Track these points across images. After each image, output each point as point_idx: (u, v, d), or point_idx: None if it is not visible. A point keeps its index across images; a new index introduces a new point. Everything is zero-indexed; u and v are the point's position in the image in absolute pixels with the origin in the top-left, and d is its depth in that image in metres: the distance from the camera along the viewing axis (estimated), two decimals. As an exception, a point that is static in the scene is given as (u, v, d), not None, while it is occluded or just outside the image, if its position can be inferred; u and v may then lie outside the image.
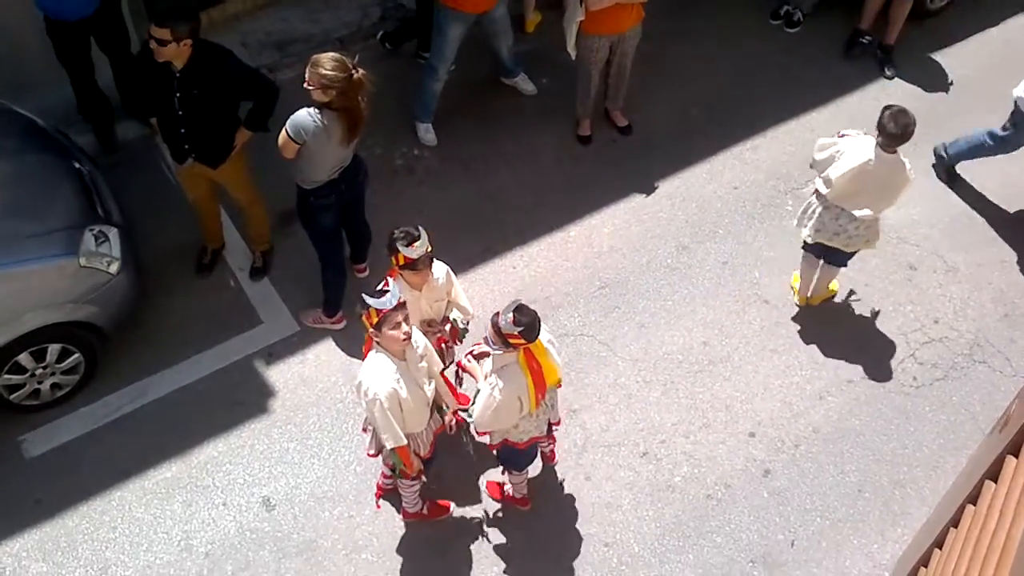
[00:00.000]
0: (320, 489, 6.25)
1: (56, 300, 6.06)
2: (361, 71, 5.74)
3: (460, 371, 5.83)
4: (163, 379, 6.64)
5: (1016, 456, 3.43)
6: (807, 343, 6.95)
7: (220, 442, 6.42)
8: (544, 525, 6.16)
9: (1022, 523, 2.98)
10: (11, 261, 5.87)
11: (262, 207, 6.98)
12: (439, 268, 5.67)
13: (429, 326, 5.73)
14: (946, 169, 7.89)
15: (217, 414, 6.52)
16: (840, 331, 7.02)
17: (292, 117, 5.87)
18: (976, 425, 6.58)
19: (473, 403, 5.43)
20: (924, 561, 4.59)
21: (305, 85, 5.76)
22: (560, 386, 5.64)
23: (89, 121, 7.62)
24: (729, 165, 7.98)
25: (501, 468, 6.00)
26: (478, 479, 6.28)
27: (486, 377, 5.29)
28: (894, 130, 5.95)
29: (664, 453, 6.44)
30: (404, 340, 5.03)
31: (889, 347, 6.95)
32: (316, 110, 5.84)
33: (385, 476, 6.01)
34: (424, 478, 5.67)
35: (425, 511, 6.07)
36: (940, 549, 4.34)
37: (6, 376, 6.15)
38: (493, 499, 6.22)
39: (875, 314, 7.12)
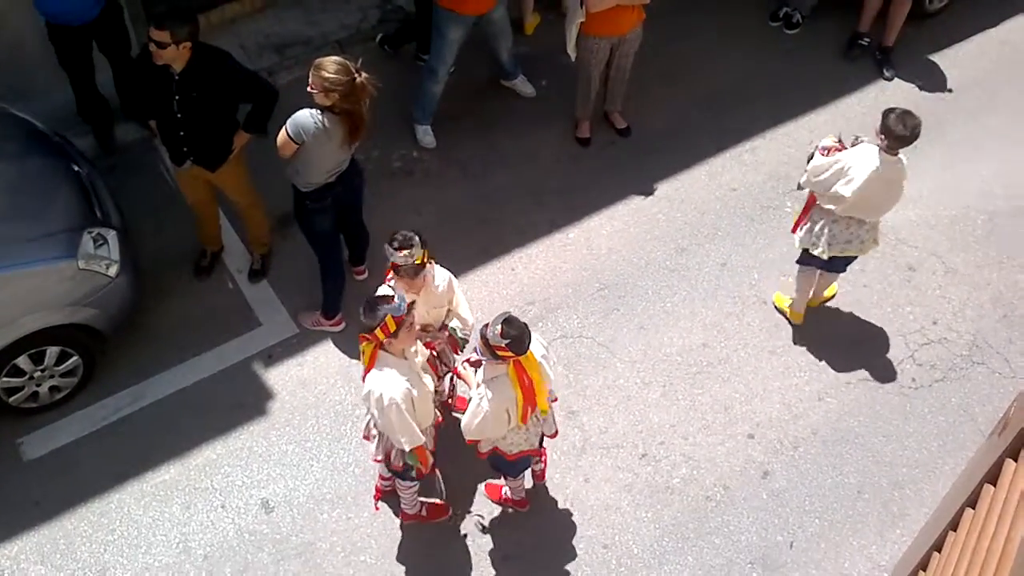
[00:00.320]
0: (319, 491, 6.25)
1: (55, 303, 6.06)
2: (364, 75, 5.75)
3: (455, 377, 5.82)
4: (161, 381, 6.65)
5: (1015, 460, 3.42)
6: (806, 345, 6.95)
7: (219, 444, 6.42)
8: (543, 527, 6.15)
9: (1021, 527, 2.97)
10: (10, 264, 5.87)
11: (261, 210, 6.98)
12: (441, 275, 5.65)
13: (424, 331, 5.71)
14: None
15: (216, 416, 6.51)
16: (839, 333, 7.02)
17: (293, 117, 5.88)
18: (975, 426, 6.57)
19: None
20: (923, 565, 4.57)
21: (308, 88, 5.77)
22: (548, 410, 5.57)
23: (88, 123, 7.63)
24: (728, 167, 7.98)
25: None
26: (476, 481, 6.27)
27: (477, 386, 5.28)
28: (904, 132, 5.90)
29: (663, 455, 6.43)
30: (417, 336, 5.03)
31: (888, 348, 6.94)
32: (318, 111, 5.84)
33: (383, 478, 6.00)
34: (439, 473, 5.62)
35: (424, 513, 6.06)
36: (939, 552, 4.33)
37: (5, 379, 6.15)
38: (492, 501, 6.21)
39: (874, 316, 7.10)
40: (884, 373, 6.83)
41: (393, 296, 5.06)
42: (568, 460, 6.38)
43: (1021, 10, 9.21)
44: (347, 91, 5.70)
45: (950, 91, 8.55)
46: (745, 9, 9.13)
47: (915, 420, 6.62)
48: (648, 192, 7.78)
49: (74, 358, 6.34)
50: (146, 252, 6.93)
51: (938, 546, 4.35)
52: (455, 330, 5.87)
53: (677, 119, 8.26)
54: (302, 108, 5.88)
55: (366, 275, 7.13)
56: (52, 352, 6.22)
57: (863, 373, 6.82)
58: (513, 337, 4.94)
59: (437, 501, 6.10)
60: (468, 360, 5.49)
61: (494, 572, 5.99)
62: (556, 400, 5.79)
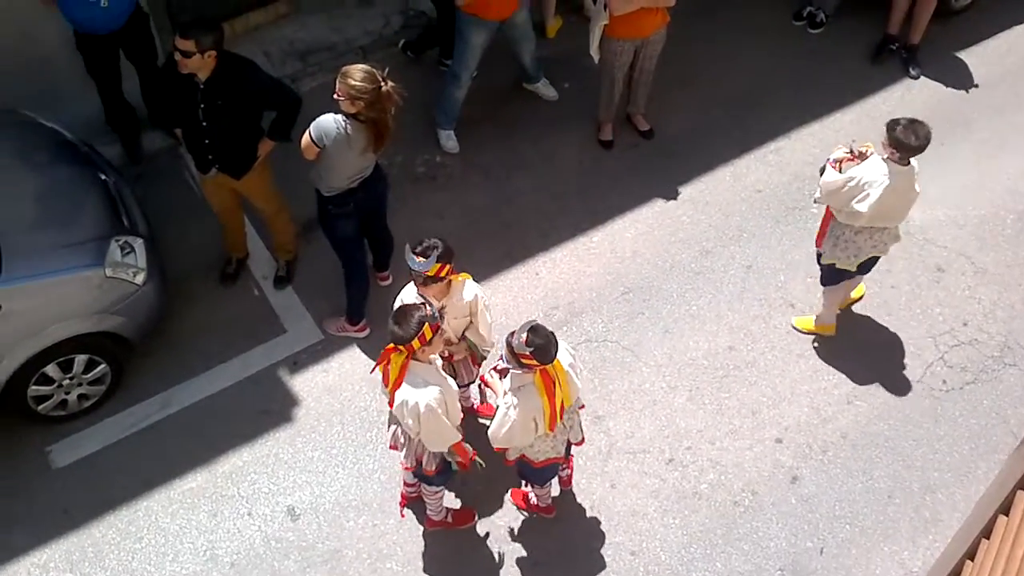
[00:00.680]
0: (345, 498, 6.25)
1: (83, 311, 6.09)
2: (391, 83, 5.75)
3: (483, 385, 5.80)
4: (188, 389, 6.67)
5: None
6: (834, 347, 6.88)
7: (245, 451, 6.43)
8: (570, 533, 6.13)
9: None
10: (38, 273, 5.89)
11: (287, 216, 7.00)
12: (470, 290, 5.61)
13: (447, 344, 5.70)
14: None
15: (242, 423, 6.53)
16: (868, 335, 6.95)
17: (317, 120, 5.90)
18: (1007, 429, 6.49)
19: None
20: (956, 573, 4.51)
21: (334, 95, 5.77)
22: (583, 406, 5.60)
23: (116, 132, 7.68)
24: (752, 168, 7.93)
25: (523, 481, 5.98)
26: (503, 488, 6.25)
27: (504, 394, 5.26)
28: (916, 143, 5.81)
29: (690, 460, 6.39)
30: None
31: (918, 350, 6.88)
32: (343, 117, 5.85)
33: (408, 485, 6.00)
34: (479, 459, 5.54)
35: (450, 519, 6.05)
36: (972, 560, 4.27)
37: (34, 387, 6.18)
38: (518, 508, 6.19)
39: (903, 317, 7.03)
40: (914, 375, 6.76)
41: (424, 303, 5.05)
42: (594, 466, 6.35)
43: (1048, 6, 9.13)
44: (373, 99, 5.70)
45: (976, 88, 8.47)
46: (769, 9, 9.08)
47: (946, 423, 6.55)
48: (672, 194, 7.74)
49: (102, 366, 6.37)
50: (173, 260, 6.95)
51: (971, 554, 4.30)
52: (473, 345, 5.85)
53: (700, 120, 8.22)
54: (326, 113, 5.89)
55: (390, 280, 7.13)
56: (80, 360, 6.25)
57: (893, 376, 6.75)
58: (538, 346, 4.92)
59: (463, 507, 6.09)
60: (495, 368, 5.46)
61: (521, 578, 5.98)
62: (583, 407, 5.76)
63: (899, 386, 6.71)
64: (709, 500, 6.23)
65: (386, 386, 5.18)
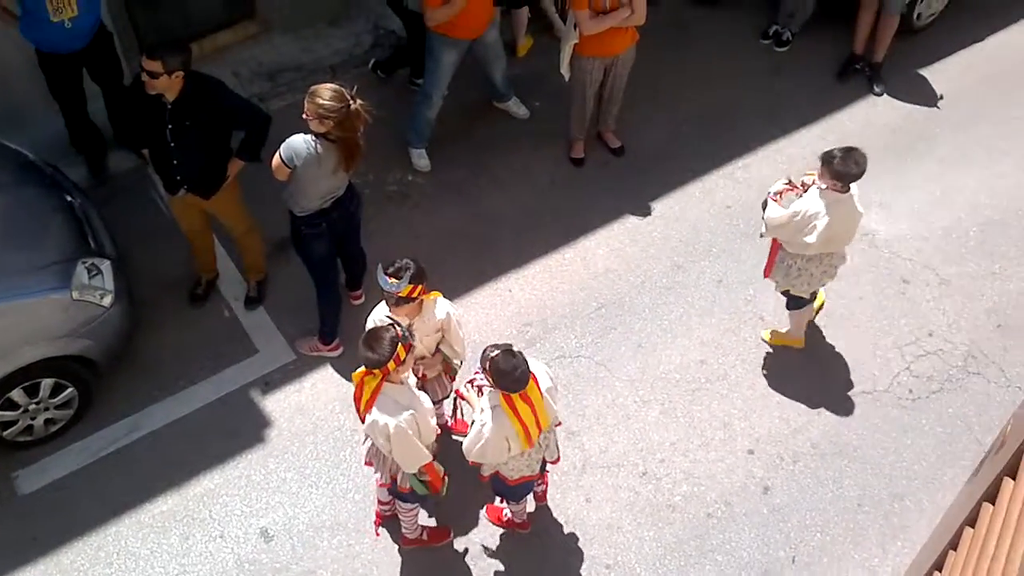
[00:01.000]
0: (318, 519, 6.21)
1: (49, 334, 6.02)
2: (359, 101, 5.75)
3: (458, 399, 5.79)
4: (158, 411, 6.61)
5: (1013, 478, 3.41)
6: (803, 359, 6.94)
7: (216, 474, 6.38)
8: (545, 548, 6.12)
9: (1021, 546, 2.95)
10: (3, 296, 5.82)
11: (257, 236, 6.98)
12: (441, 308, 5.62)
13: (419, 361, 5.70)
14: None
15: (213, 445, 6.48)
16: (835, 346, 7.02)
17: (287, 140, 5.89)
18: (973, 436, 6.57)
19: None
20: None
21: (303, 115, 5.77)
22: (559, 423, 5.63)
23: (81, 153, 7.64)
24: (721, 184, 8.00)
25: (498, 498, 5.98)
26: (478, 504, 6.24)
27: (481, 411, 5.26)
28: (857, 170, 5.86)
29: (664, 472, 6.42)
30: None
31: (884, 361, 6.95)
32: (312, 137, 5.84)
33: (382, 503, 5.97)
34: (447, 479, 5.53)
35: (425, 537, 6.03)
36: (940, 572, 4.31)
37: (-1, 412, 6.12)
38: (493, 523, 6.18)
39: (869, 329, 7.11)
40: (881, 385, 6.83)
41: (393, 324, 5.04)
42: (569, 480, 6.36)
43: (1006, 24, 9.29)
44: (342, 118, 5.70)
45: (938, 104, 8.60)
46: (736, 28, 9.19)
47: (913, 432, 6.62)
48: (643, 211, 7.79)
49: (69, 390, 6.30)
50: (141, 281, 6.91)
51: (939, 565, 4.34)
52: (447, 358, 5.85)
53: (670, 137, 8.29)
54: (296, 134, 5.89)
55: (363, 299, 7.12)
56: (47, 384, 6.18)
57: (860, 386, 6.82)
58: (498, 370, 4.91)
59: (438, 525, 6.07)
60: (471, 381, 5.47)
61: (497, 595, 5.96)
62: (560, 424, 5.76)
63: (866, 396, 6.78)
64: (683, 512, 6.26)
65: (359, 409, 5.17)
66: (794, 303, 6.68)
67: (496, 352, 4.95)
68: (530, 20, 8.79)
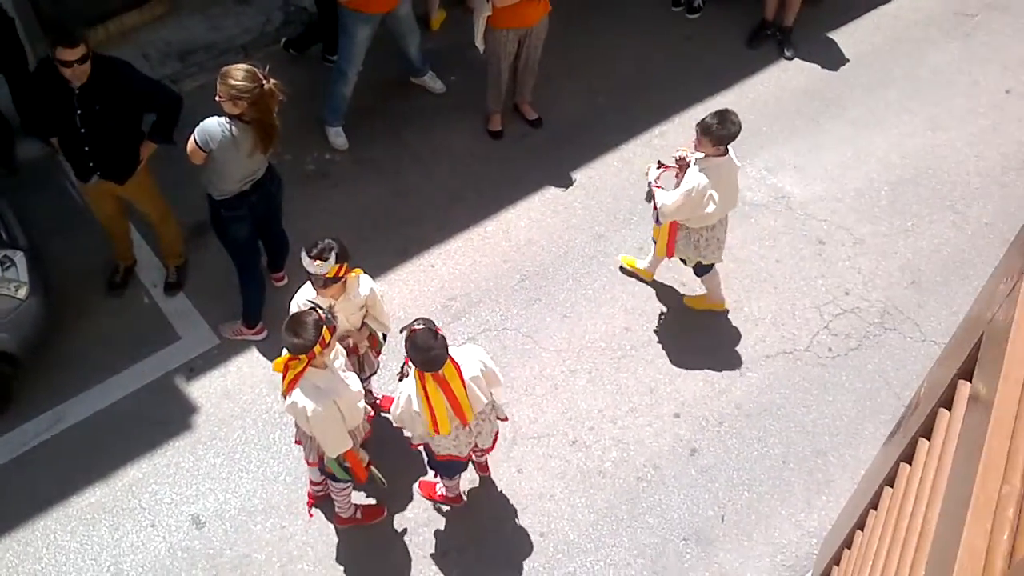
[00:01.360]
0: (250, 503, 6.18)
1: (-36, 329, 5.91)
2: (272, 81, 5.68)
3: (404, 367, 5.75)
4: (81, 402, 6.51)
5: (928, 438, 3.52)
6: (724, 322, 7.07)
7: (144, 462, 6.31)
8: (479, 520, 6.18)
9: (937, 506, 3.05)
10: (-87, 292, 5.70)
11: (173, 220, 6.87)
12: (364, 284, 5.62)
13: (345, 337, 5.69)
14: None
15: (139, 434, 6.41)
16: (755, 308, 7.16)
17: (201, 124, 5.81)
18: (891, 391, 6.77)
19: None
20: (847, 543, 4.69)
21: (216, 98, 5.69)
22: (505, 418, 5.72)
23: (-13, 143, 7.43)
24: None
25: (432, 472, 6.01)
26: (410, 481, 6.27)
27: (407, 378, 5.29)
28: (735, 130, 5.98)
29: (593, 440, 6.50)
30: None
31: (803, 321, 7.11)
32: (227, 120, 5.77)
33: (314, 483, 5.97)
34: (375, 469, 5.55)
35: (359, 516, 6.04)
36: (861, 531, 4.44)
37: (-84, 410, 5.98)
38: (426, 498, 6.21)
39: (788, 290, 7.26)
40: (801, 345, 6.99)
41: (315, 308, 5.02)
42: (500, 452, 6.39)
43: (911, -15, 9.50)
44: (255, 99, 5.64)
45: (848, 66, 8.77)
46: (647, -5, 9.25)
47: (834, 388, 6.79)
48: (563, 181, 7.84)
49: (-12, 384, 6.19)
50: (57, 271, 6.77)
51: (861, 525, 4.46)
52: (374, 331, 5.86)
53: (586, 108, 8.34)
54: (210, 116, 5.80)
55: (285, 281, 7.06)
56: (-36, 380, 6.07)
57: (781, 346, 6.97)
58: (416, 344, 4.96)
59: (372, 502, 6.09)
60: None
61: (434, 569, 5.99)
62: (506, 419, 5.79)
63: (788, 355, 6.93)
64: (613, 478, 6.35)
65: (284, 386, 5.16)
66: (703, 268, 6.79)
67: (420, 326, 4.97)
68: (443, -7, 8.75)
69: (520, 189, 7.77)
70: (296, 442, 5.59)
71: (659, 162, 6.48)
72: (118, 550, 5.99)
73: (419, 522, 6.16)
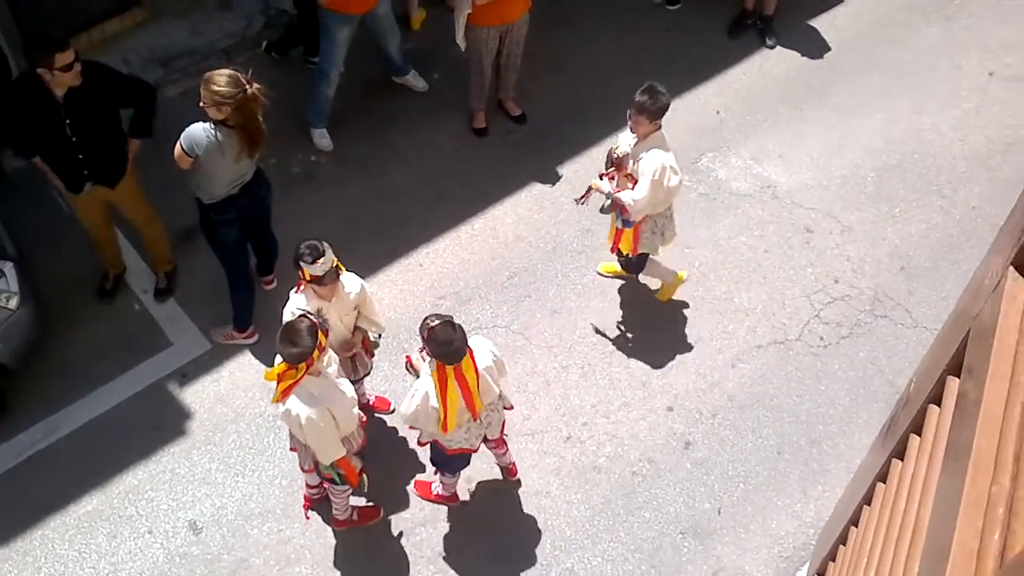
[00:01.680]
0: (247, 507, 6.20)
1: (-45, 342, 5.90)
2: (256, 85, 5.67)
3: (409, 365, 5.76)
4: (75, 411, 6.51)
5: (919, 434, 3.54)
6: (715, 314, 7.10)
7: (140, 470, 6.32)
8: (476, 519, 6.20)
9: (929, 503, 3.07)
10: (-97, 307, 5.69)
11: (159, 226, 6.87)
12: (353, 282, 5.63)
13: (346, 347, 5.72)
14: None
15: (134, 442, 6.41)
16: (746, 299, 7.18)
17: (187, 130, 5.81)
18: (884, 378, 6.80)
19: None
20: (843, 539, 4.72)
21: (200, 104, 5.68)
22: (510, 407, 5.76)
23: (-28, 154, 7.39)
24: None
25: (433, 469, 6.02)
26: (405, 481, 6.28)
27: (421, 376, 5.31)
28: (668, 98, 6.02)
29: (587, 435, 6.53)
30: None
31: (794, 310, 7.14)
32: (211, 125, 5.77)
33: (310, 487, 5.98)
34: (365, 476, 5.59)
35: (355, 517, 6.06)
36: (855, 527, 4.47)
37: (-91, 425, 5.97)
38: (423, 499, 6.23)
39: (777, 279, 7.28)
40: (792, 334, 7.02)
41: (305, 315, 5.03)
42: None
43: (892, -30, 9.50)
44: (239, 104, 5.63)
45: (830, 53, 8.78)
46: (628, -12, 9.24)
47: (826, 377, 6.82)
48: (549, 177, 7.84)
49: (-20, 396, 6.19)
50: (47, 280, 6.77)
51: (855, 520, 4.49)
52: (367, 332, 5.87)
53: (569, 102, 8.33)
54: (194, 122, 5.80)
55: (275, 284, 7.07)
56: (-44, 393, 6.06)
57: (772, 336, 7.00)
58: (437, 340, 4.99)
59: (368, 504, 6.10)
60: (422, 349, 5.46)
61: (431, 568, 6.02)
62: (511, 408, 5.81)
63: (779, 345, 6.96)
64: (608, 473, 6.38)
65: (277, 394, 5.16)
66: (641, 265, 6.77)
67: (436, 322, 5.00)
68: (423, -9, 8.74)
69: (506, 186, 7.77)
70: (291, 449, 5.59)
71: (600, 175, 6.38)
72: (116, 557, 6.00)
73: (415, 522, 6.17)
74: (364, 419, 5.58)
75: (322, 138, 7.90)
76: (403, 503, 6.23)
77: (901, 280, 7.31)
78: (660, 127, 6.16)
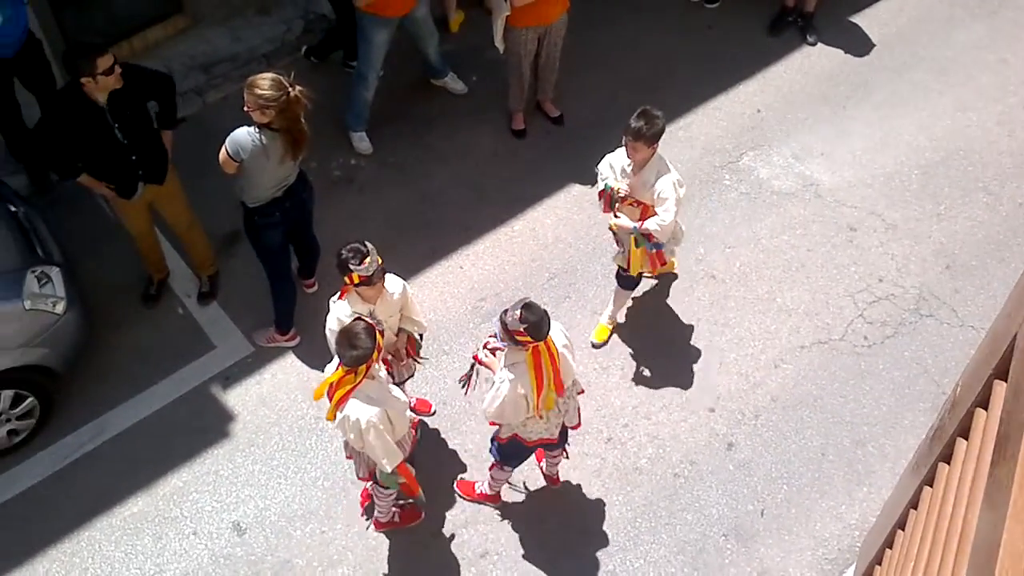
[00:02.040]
0: (289, 508, 6.24)
1: (4, 346, 5.97)
2: (298, 88, 5.71)
3: (476, 364, 5.76)
4: (120, 414, 6.59)
5: (966, 438, 3.49)
6: (757, 314, 7.04)
7: (184, 471, 6.38)
8: (517, 519, 6.20)
9: (976, 507, 3.02)
10: (-46, 311, 5.78)
11: (200, 229, 6.94)
12: (395, 283, 5.64)
13: (395, 353, 5.74)
14: None
15: (178, 444, 6.47)
16: (788, 298, 7.12)
17: (232, 134, 5.86)
18: (929, 378, 6.71)
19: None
20: (889, 542, 4.66)
21: (244, 108, 5.73)
22: (582, 391, 5.71)
23: (20, 162, 7.49)
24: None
25: (489, 464, 5.99)
26: (447, 481, 6.29)
27: (500, 370, 5.28)
28: (662, 123, 5.93)
29: (628, 437, 6.50)
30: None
31: (838, 309, 7.06)
32: (256, 129, 5.81)
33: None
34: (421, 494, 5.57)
35: (397, 519, 6.07)
36: (902, 531, 4.41)
37: (-41, 428, 6.07)
38: (465, 498, 6.24)
39: (821, 278, 7.21)
40: (836, 334, 6.94)
41: (359, 317, 5.05)
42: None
43: (935, -35, 9.38)
44: (282, 107, 5.67)
45: (873, 50, 8.68)
46: (666, -13, 9.20)
47: (871, 377, 6.74)
48: (588, 178, 7.72)
49: (29, 399, 6.26)
50: (92, 285, 6.86)
51: (901, 524, 4.43)
52: (411, 331, 5.88)
53: (608, 103, 8.30)
54: (238, 127, 5.85)
55: (316, 287, 7.12)
56: (6, 395, 6.13)
57: (816, 336, 6.93)
58: (532, 322, 4.97)
59: (411, 503, 6.11)
60: (487, 345, 5.48)
61: (473, 570, 6.02)
62: (583, 392, 5.76)
63: (823, 345, 6.89)
64: (650, 474, 6.35)
65: (331, 410, 5.15)
66: (632, 282, 6.67)
67: (519, 310, 4.99)
68: (461, -6, 8.76)
69: (546, 187, 7.76)
70: (348, 457, 5.60)
71: (614, 213, 6.28)
72: (161, 559, 6.06)
73: (457, 523, 6.18)
74: (416, 420, 5.59)
75: (361, 141, 7.93)
76: (443, 505, 6.24)
77: (947, 279, 7.21)
78: (656, 149, 6.07)
